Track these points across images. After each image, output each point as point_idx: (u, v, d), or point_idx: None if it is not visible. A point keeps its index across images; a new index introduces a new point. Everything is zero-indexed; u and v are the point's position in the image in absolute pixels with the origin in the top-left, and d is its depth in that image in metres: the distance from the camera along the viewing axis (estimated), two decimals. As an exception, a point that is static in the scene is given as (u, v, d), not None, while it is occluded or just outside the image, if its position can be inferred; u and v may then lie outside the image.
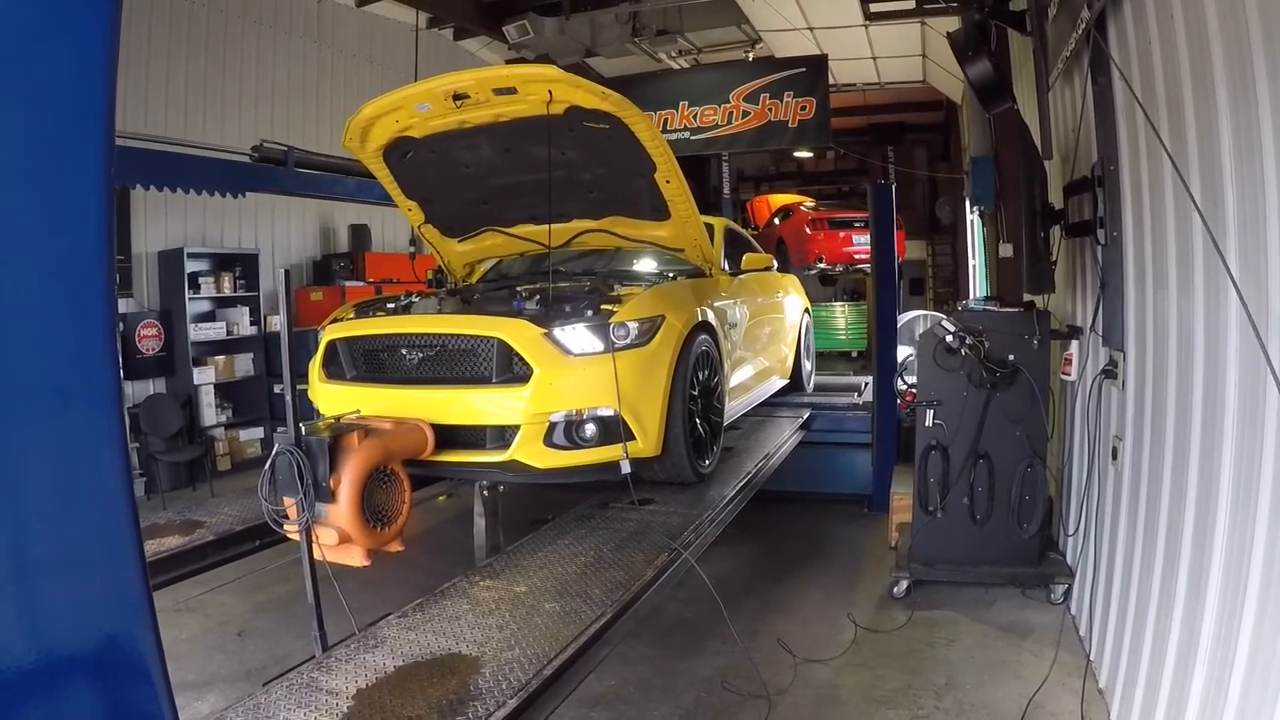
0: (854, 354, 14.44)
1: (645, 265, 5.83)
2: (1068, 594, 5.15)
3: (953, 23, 7.59)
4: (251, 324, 10.09)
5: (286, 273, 3.45)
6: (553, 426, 4.15)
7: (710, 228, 5.83)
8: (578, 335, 4.17)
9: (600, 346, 4.16)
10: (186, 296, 9.33)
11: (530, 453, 4.15)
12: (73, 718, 1.23)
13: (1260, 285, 2.51)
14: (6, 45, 1.13)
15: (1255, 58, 2.49)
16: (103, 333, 1.24)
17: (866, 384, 8.54)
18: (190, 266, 9.47)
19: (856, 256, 12.92)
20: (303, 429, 3.38)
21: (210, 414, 9.54)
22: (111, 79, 1.22)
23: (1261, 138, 2.47)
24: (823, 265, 13.27)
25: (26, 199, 1.15)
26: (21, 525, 1.15)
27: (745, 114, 12.11)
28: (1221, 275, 2.72)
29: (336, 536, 3.41)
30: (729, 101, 12.22)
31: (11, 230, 1.14)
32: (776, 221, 14.72)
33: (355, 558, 3.53)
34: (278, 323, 9.86)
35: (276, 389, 10.05)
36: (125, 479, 1.26)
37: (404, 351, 4.41)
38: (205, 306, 9.83)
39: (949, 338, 5.23)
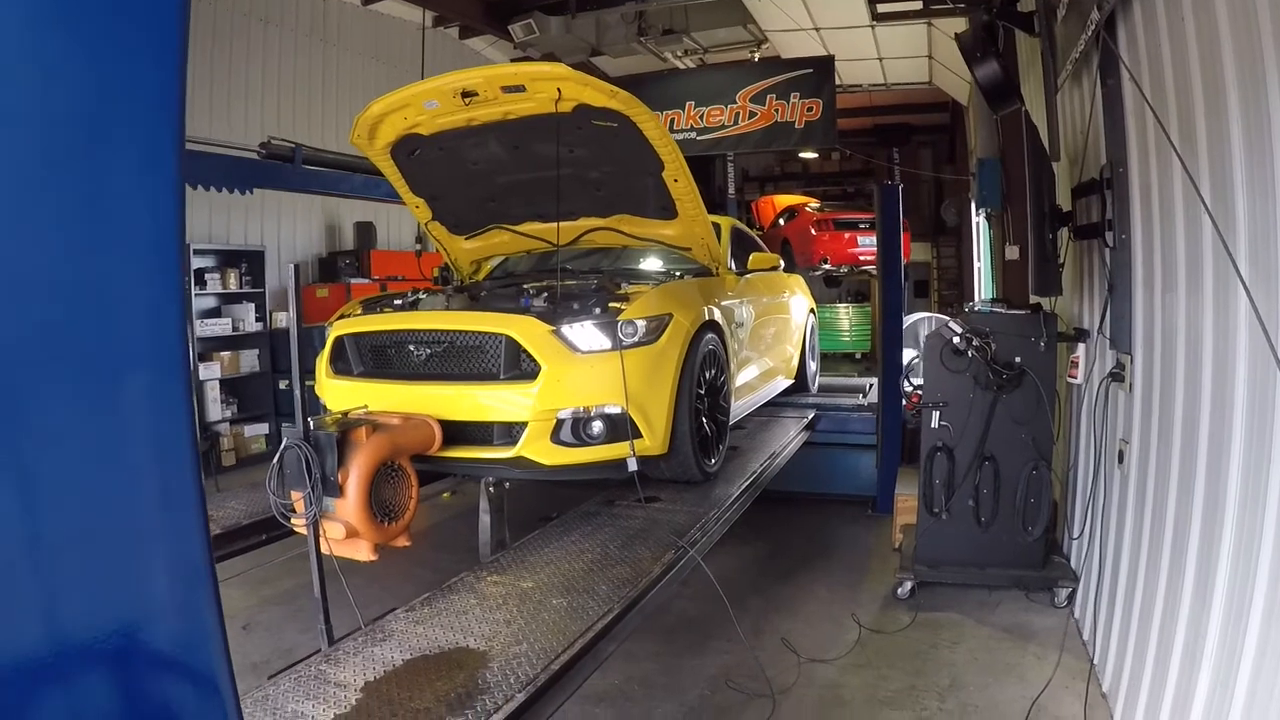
0: (858, 355, 14.42)
1: (652, 264, 5.84)
2: (1071, 598, 5.15)
3: (960, 24, 7.59)
4: (257, 320, 10.12)
5: (295, 267, 3.45)
6: (560, 423, 4.15)
7: (717, 227, 5.82)
8: (586, 333, 4.18)
9: (608, 344, 4.16)
10: (192, 292, 9.36)
11: (537, 449, 4.15)
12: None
13: (1271, 288, 2.51)
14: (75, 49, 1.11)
15: (1267, 59, 2.48)
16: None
17: (871, 385, 8.54)
18: (196, 263, 9.53)
19: (862, 258, 12.90)
20: (311, 423, 3.39)
21: (215, 409, 9.57)
22: (182, 81, 1.21)
23: (1273, 140, 2.47)
24: (828, 266, 13.25)
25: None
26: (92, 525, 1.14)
27: (751, 114, 12.09)
28: (1231, 278, 2.72)
29: (344, 531, 3.42)
30: (735, 102, 12.20)
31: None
32: (781, 222, 14.70)
33: (362, 552, 3.54)
34: (283, 319, 9.91)
35: (281, 385, 10.09)
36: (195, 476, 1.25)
37: (412, 348, 4.41)
38: (211, 302, 9.86)
39: (956, 339, 5.22)
